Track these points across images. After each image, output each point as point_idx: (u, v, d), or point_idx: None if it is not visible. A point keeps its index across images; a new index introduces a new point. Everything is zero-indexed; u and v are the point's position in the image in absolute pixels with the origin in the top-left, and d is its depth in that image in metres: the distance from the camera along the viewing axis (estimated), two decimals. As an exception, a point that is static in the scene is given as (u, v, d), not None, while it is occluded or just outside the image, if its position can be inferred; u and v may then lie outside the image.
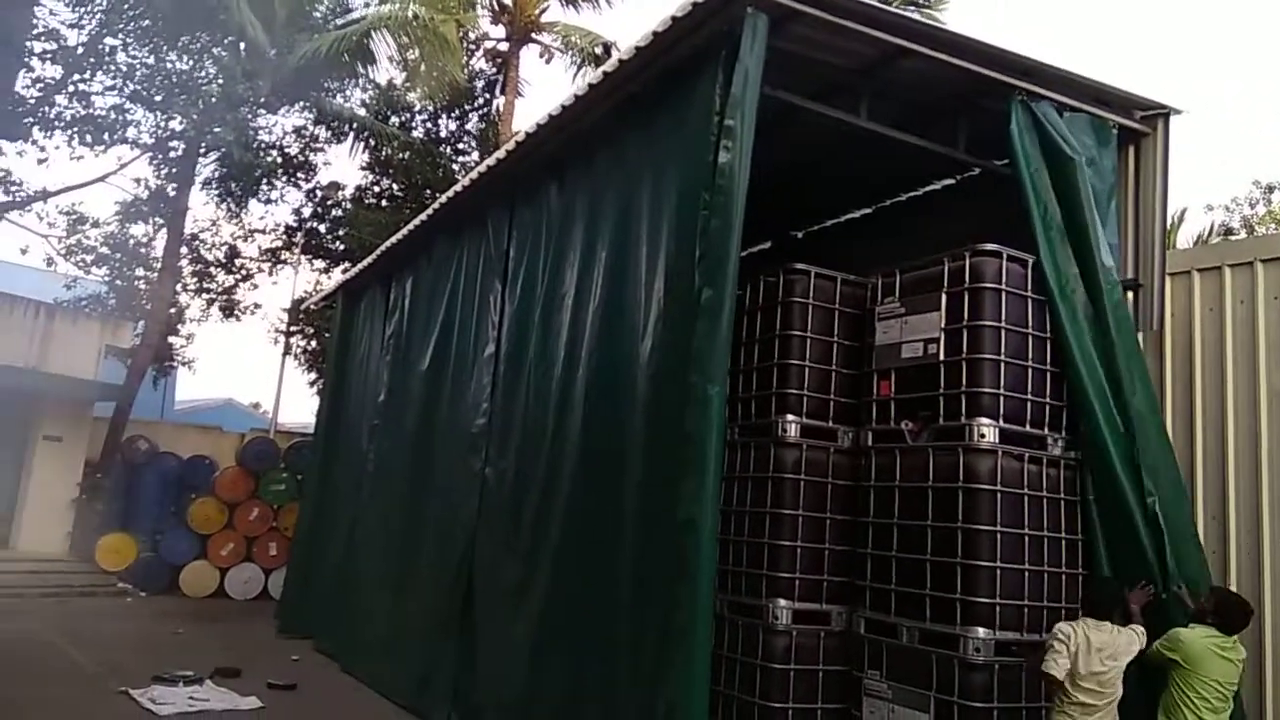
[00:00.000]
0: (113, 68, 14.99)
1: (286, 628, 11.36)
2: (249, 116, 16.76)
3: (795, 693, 5.78)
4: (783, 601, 5.88)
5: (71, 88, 14.93)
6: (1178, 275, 6.24)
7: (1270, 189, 21.62)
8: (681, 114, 5.58)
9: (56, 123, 14.91)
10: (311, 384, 20.61)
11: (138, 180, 18.36)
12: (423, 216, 9.47)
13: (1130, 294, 6.21)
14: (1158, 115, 6.33)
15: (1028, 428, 5.60)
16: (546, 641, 6.16)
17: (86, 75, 14.95)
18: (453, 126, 20.32)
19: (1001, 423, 5.47)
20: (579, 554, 5.99)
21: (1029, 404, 5.62)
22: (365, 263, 11.59)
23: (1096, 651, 4.75)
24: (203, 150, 16.81)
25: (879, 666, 5.66)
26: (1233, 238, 18.22)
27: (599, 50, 17.06)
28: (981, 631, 5.20)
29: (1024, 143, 5.85)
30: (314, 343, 20.38)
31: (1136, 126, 6.32)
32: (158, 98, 15.16)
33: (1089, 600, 5.08)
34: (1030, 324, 5.69)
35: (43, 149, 15.38)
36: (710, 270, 4.92)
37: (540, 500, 6.49)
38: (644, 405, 5.46)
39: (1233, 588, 5.48)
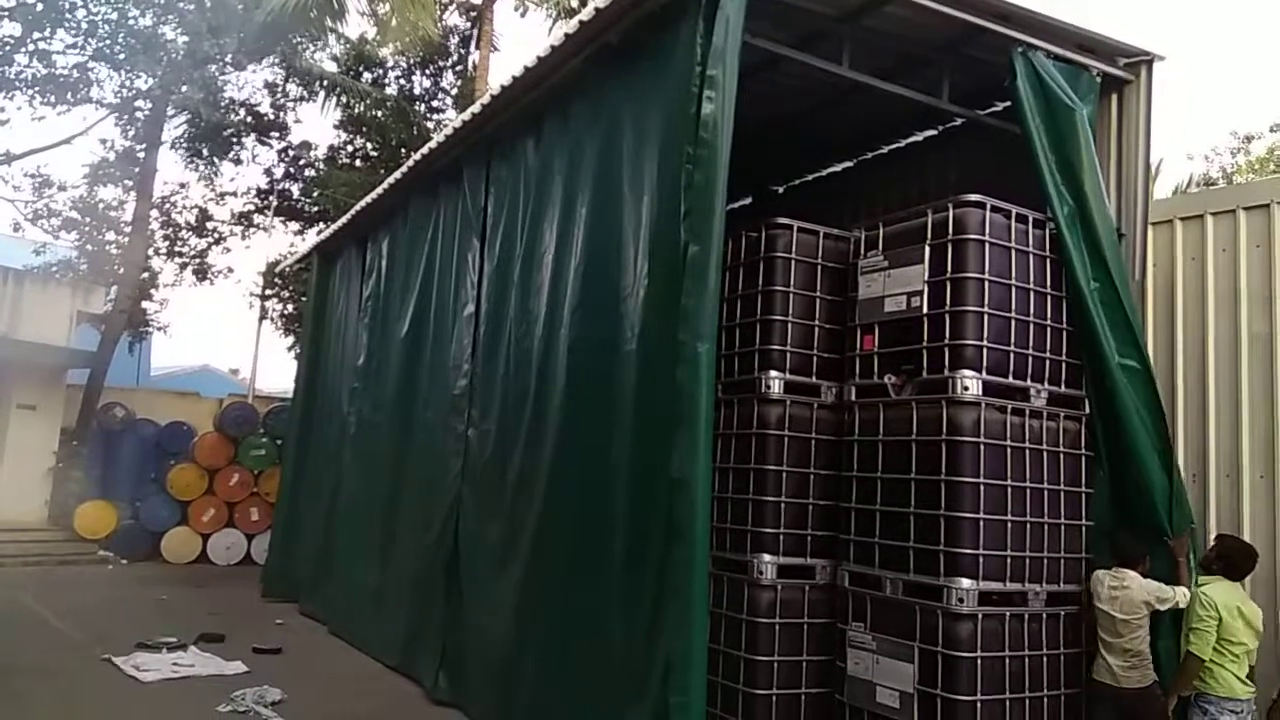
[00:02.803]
0: (74, 25, 14.55)
1: (270, 592, 11.36)
2: (216, 74, 16.36)
3: (780, 646, 5.81)
4: (767, 557, 5.89)
5: (31, 46, 14.50)
6: (1160, 224, 6.23)
7: (1248, 138, 21.70)
8: (661, 65, 5.45)
9: (16, 82, 14.49)
10: (289, 348, 20.43)
11: (104, 141, 17.92)
12: (397, 175, 9.31)
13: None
14: (1140, 62, 6.25)
15: (1011, 379, 5.58)
16: (534, 600, 6.16)
17: (46, 33, 14.51)
18: (427, 83, 19.98)
19: (985, 375, 5.45)
20: (566, 513, 5.97)
21: (1012, 355, 5.60)
22: (340, 223, 11.42)
23: (1110, 599, 5.14)
24: (171, 111, 16.44)
25: (863, 619, 5.69)
26: (1212, 187, 18.26)
27: (575, 2, 16.75)
28: (965, 582, 5.22)
29: (1028, 95, 5.79)
30: (290, 306, 20.15)
31: (1119, 74, 6.24)
32: (121, 56, 14.75)
33: (1115, 550, 5.43)
34: (1013, 275, 5.65)
35: (3, 110, 14.97)
36: (696, 226, 4.84)
37: (524, 460, 6.46)
38: (631, 364, 5.40)
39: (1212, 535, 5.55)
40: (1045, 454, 5.67)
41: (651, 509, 4.97)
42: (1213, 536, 5.50)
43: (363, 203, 10.39)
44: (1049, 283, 5.79)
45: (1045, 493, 5.63)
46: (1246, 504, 5.61)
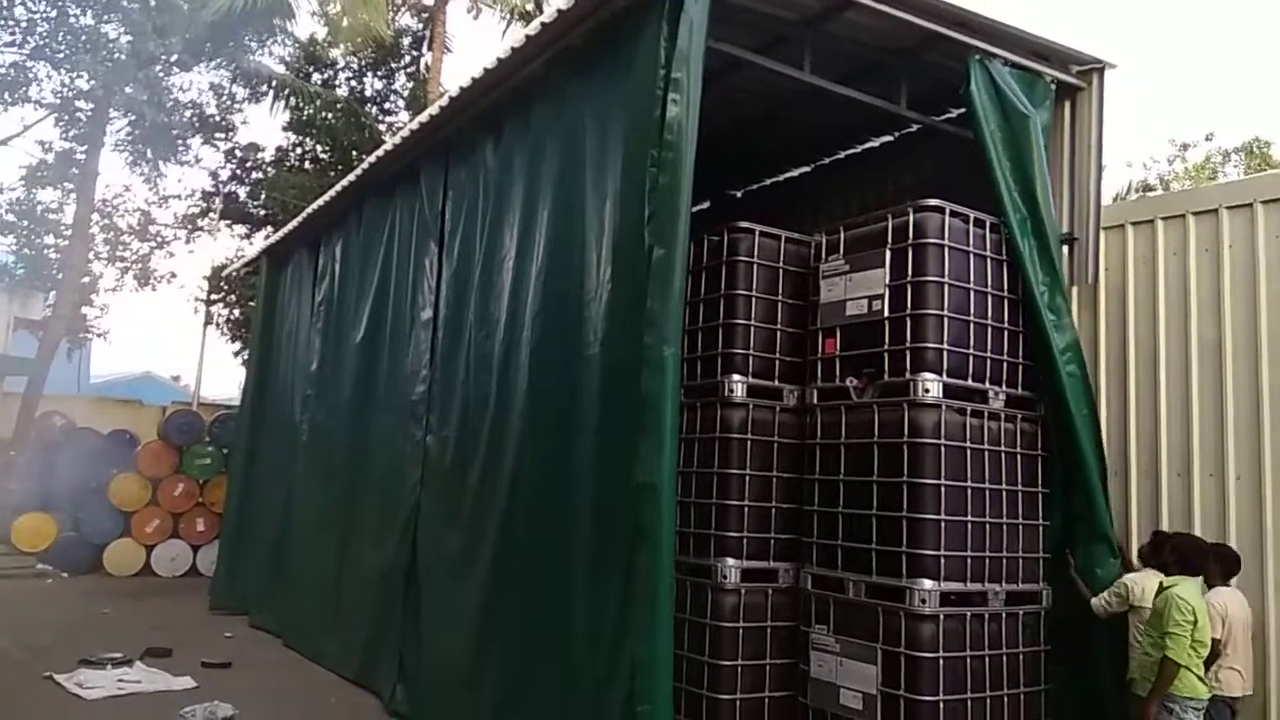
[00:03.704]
0: (12, 23, 14.14)
1: (218, 604, 11.07)
2: (161, 75, 15.98)
3: (744, 650, 5.80)
4: (731, 561, 5.87)
5: (-35, 44, 14.08)
6: (1112, 229, 6.36)
7: (1185, 146, 22.35)
8: (625, 67, 5.42)
9: (-50, 82, 14.06)
10: (236, 354, 20.04)
11: (43, 143, 17.39)
12: (351, 177, 9.15)
13: (1066, 248, 6.30)
14: (1093, 70, 6.38)
15: (970, 382, 5.65)
16: (496, 609, 6.06)
17: (-18, 31, 14.10)
18: (379, 85, 19.75)
19: (945, 377, 5.50)
20: (528, 520, 5.89)
21: (971, 358, 5.67)
22: (290, 226, 11.19)
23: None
24: (113, 112, 16.02)
25: (826, 621, 5.71)
26: (1150, 194, 18.76)
27: (529, 6, 16.68)
28: (927, 583, 5.26)
29: (983, 101, 5.88)
30: (237, 311, 19.76)
31: (1073, 81, 6.36)
32: (61, 55, 14.36)
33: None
34: (971, 279, 5.73)
35: (-64, 110, 14.49)
36: (661, 229, 4.81)
37: (485, 466, 6.36)
38: (595, 368, 5.35)
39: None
40: (1004, 455, 5.75)
41: (616, 514, 4.92)
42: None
43: (314, 205, 10.19)
44: (1005, 286, 5.87)
45: (1004, 493, 5.70)
46: (1197, 502, 5.73)
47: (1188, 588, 4.89)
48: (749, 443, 6.02)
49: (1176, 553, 5.10)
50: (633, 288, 4.99)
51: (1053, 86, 6.21)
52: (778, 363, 6.19)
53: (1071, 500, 5.84)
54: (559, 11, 5.58)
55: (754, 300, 6.14)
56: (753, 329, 6.11)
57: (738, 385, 6.04)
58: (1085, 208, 6.28)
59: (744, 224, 6.25)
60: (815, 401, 6.04)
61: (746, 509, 5.96)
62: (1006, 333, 5.86)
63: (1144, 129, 45.50)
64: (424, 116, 7.51)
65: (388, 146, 8.35)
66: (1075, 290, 6.36)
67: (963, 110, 6.96)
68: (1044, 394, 5.88)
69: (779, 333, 6.22)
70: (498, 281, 6.54)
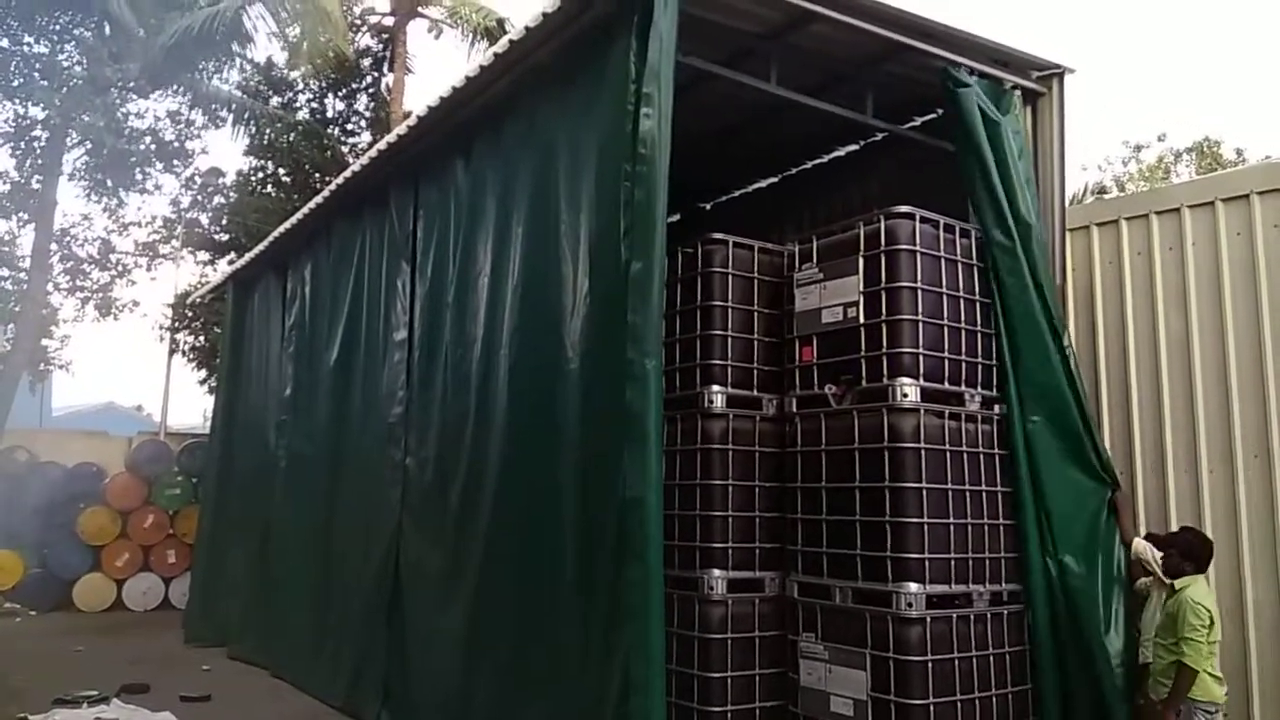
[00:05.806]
0: (-38, 53, 13.92)
1: (194, 637, 10.87)
2: (118, 101, 15.78)
3: (733, 662, 5.79)
4: (717, 572, 5.86)
5: (-85, 74, 13.82)
6: (1077, 230, 6.46)
7: (1138, 148, 22.77)
8: (595, 82, 5.44)
9: (-100, 113, 13.79)
10: (201, 382, 19.74)
11: (-2, 173, 17.09)
12: (319, 199, 9.07)
13: (1036, 249, 6.39)
14: (1053, 75, 6.50)
15: (946, 385, 5.72)
16: (481, 630, 6.02)
17: (-69, 60, 13.85)
18: (340, 106, 19.63)
19: (922, 381, 5.56)
20: (512, 539, 5.86)
21: (946, 362, 5.74)
22: (257, 250, 11.09)
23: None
24: (70, 140, 15.79)
25: (814, 629, 5.72)
26: (1106, 196, 19.10)
27: (491, 24, 16.70)
28: (913, 586, 5.29)
29: (960, 110, 5.96)
30: (202, 338, 19.48)
31: (1033, 87, 6.48)
32: (15, 83, 14.15)
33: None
34: (944, 283, 5.80)
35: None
36: (638, 242, 4.83)
37: (466, 486, 6.32)
38: (577, 384, 5.35)
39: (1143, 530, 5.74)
40: (981, 456, 5.81)
41: (603, 530, 4.91)
42: (1144, 532, 5.67)
43: (281, 229, 10.11)
44: (976, 290, 5.95)
45: (984, 494, 5.76)
46: (1173, 504, 5.80)
47: (1198, 589, 4.88)
48: (730, 453, 6.02)
49: (1188, 551, 5.05)
50: (611, 301, 5.00)
51: (1017, 92, 6.32)
52: (756, 372, 6.21)
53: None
54: (527, 29, 5.59)
55: (730, 311, 6.16)
56: (730, 339, 6.13)
57: (717, 396, 6.05)
58: (1050, 211, 6.39)
59: (718, 235, 6.27)
60: (795, 409, 6.07)
61: (730, 519, 5.96)
62: (979, 335, 5.94)
63: (1097, 131, 46.45)
64: (391, 136, 7.48)
65: (355, 168, 8.31)
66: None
67: (928, 118, 7.10)
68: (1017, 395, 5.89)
69: (756, 342, 6.23)
70: (473, 300, 6.52)
